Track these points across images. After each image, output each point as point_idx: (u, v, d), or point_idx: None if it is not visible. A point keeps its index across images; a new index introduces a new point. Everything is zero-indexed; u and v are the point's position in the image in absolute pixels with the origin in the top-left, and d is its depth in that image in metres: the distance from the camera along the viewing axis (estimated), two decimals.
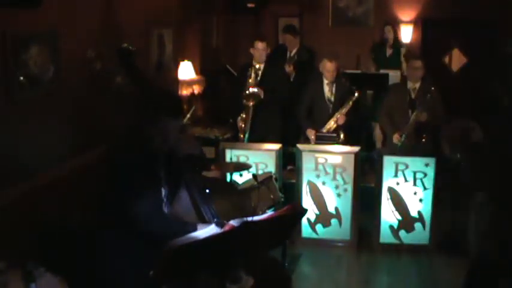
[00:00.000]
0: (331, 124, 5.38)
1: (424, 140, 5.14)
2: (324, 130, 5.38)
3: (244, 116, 5.32)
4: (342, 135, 5.31)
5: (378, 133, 6.43)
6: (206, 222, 2.84)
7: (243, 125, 5.35)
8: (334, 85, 5.45)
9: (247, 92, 5.23)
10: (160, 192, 2.91)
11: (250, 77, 5.26)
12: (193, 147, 3.30)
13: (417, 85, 5.20)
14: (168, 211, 2.95)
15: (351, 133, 5.45)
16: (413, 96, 5.21)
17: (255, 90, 5.20)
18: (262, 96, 5.21)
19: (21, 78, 3.42)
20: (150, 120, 2.80)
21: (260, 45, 5.28)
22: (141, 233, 2.79)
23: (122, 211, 2.78)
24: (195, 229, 2.78)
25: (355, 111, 5.48)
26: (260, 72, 5.30)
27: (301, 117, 5.57)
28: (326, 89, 5.48)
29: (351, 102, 5.34)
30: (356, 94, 5.34)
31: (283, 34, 6.78)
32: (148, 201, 2.77)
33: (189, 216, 2.91)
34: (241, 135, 5.36)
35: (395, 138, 5.21)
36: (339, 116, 5.35)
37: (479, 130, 4.78)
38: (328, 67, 5.36)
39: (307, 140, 5.46)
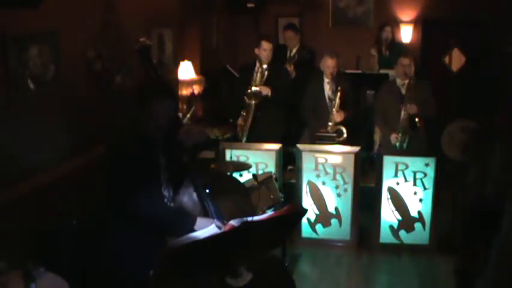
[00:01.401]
0: (331, 125, 5.35)
1: (419, 125, 5.11)
2: (330, 130, 5.34)
3: (245, 114, 5.31)
4: (345, 132, 5.29)
5: (378, 135, 6.42)
6: (208, 216, 2.87)
7: (242, 124, 5.33)
8: (335, 84, 5.43)
9: (249, 90, 5.23)
10: (158, 180, 2.93)
11: (256, 76, 5.25)
12: (198, 135, 3.29)
13: (406, 81, 5.22)
14: (169, 196, 2.97)
15: (352, 128, 5.42)
16: (403, 92, 5.23)
17: (257, 89, 5.21)
18: (269, 95, 5.21)
19: (21, 78, 3.42)
20: (142, 105, 2.84)
21: (267, 45, 5.26)
22: (140, 223, 2.80)
23: (121, 202, 2.80)
24: (194, 221, 2.82)
25: (353, 105, 5.48)
26: (266, 73, 5.27)
27: (308, 118, 5.55)
28: (327, 87, 5.46)
29: (337, 98, 5.29)
30: (339, 88, 5.29)
31: (284, 31, 6.78)
32: (146, 188, 2.80)
33: (194, 211, 2.93)
34: (240, 134, 5.35)
35: (393, 138, 5.21)
36: (334, 113, 5.31)
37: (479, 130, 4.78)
38: (329, 63, 5.34)
39: (311, 139, 5.44)
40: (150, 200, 2.82)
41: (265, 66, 5.26)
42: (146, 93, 2.89)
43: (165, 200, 2.98)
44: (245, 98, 5.27)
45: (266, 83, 5.28)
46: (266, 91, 5.22)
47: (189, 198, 2.97)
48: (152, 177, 2.90)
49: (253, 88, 5.23)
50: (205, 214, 2.92)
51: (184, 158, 3.03)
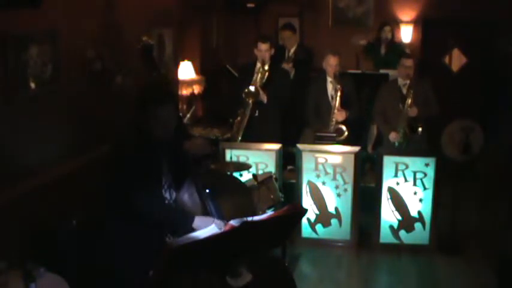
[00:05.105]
0: (332, 124, 5.34)
1: (420, 129, 5.11)
2: (332, 130, 5.32)
3: (242, 112, 5.26)
4: (345, 131, 5.27)
5: (372, 134, 6.41)
6: (208, 215, 2.89)
7: (238, 122, 5.28)
8: (338, 83, 5.39)
9: (246, 90, 5.19)
10: (160, 182, 2.93)
11: (256, 77, 5.20)
12: (203, 147, 3.34)
13: (408, 81, 5.23)
14: (171, 198, 2.98)
15: (354, 127, 5.40)
16: (404, 92, 5.24)
17: (253, 88, 5.15)
18: (265, 101, 5.16)
19: (21, 78, 3.42)
20: (144, 111, 2.84)
21: (263, 46, 5.20)
22: (140, 221, 2.81)
23: (122, 201, 2.81)
24: (192, 220, 2.84)
25: (354, 104, 5.46)
26: (267, 74, 5.18)
27: (311, 118, 5.53)
28: (330, 87, 5.45)
29: (338, 97, 5.29)
30: (339, 86, 5.29)
31: (281, 31, 6.80)
32: (147, 188, 2.81)
33: (196, 210, 2.94)
34: (236, 131, 5.30)
35: (393, 137, 5.21)
36: (336, 112, 5.31)
37: (479, 130, 4.79)
38: (331, 61, 5.33)
39: (310, 139, 5.42)
40: (150, 199, 2.83)
41: (266, 67, 5.19)
42: (148, 100, 2.87)
43: (166, 202, 2.99)
44: (243, 96, 5.22)
45: (266, 83, 5.24)
46: (263, 97, 5.17)
47: (189, 197, 2.98)
48: (153, 178, 2.90)
49: (251, 87, 5.16)
50: (206, 214, 2.92)
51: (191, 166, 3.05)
